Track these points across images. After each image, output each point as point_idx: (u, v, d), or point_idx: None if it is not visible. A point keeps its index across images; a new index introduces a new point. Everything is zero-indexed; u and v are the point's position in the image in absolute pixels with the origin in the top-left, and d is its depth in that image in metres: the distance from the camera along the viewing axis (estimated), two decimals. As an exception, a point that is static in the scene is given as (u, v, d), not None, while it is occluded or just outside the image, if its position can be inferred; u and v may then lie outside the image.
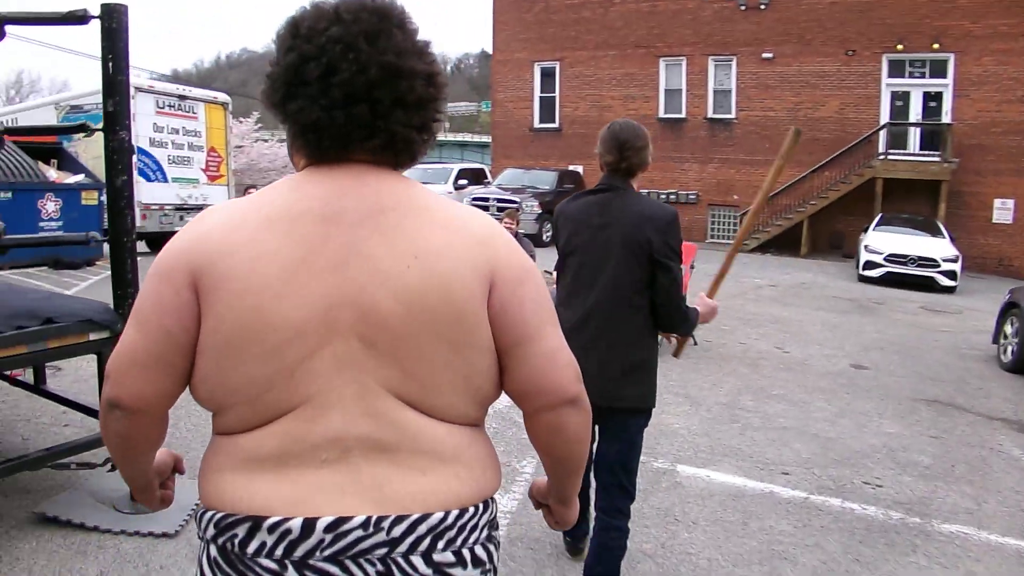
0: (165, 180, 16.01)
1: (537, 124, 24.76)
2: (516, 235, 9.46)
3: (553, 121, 24.40)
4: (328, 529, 1.23)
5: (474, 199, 19.42)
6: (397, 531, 1.25)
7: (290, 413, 1.28)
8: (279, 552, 1.24)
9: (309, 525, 1.23)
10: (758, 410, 6.41)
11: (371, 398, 1.28)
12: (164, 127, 15.98)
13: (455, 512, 1.30)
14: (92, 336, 4.09)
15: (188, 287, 1.28)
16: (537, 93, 24.76)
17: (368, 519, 1.24)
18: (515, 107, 25.04)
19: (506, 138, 25.37)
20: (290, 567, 1.23)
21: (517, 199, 18.35)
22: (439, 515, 1.28)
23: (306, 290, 1.26)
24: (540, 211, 18.37)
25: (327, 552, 1.23)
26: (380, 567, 1.24)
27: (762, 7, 20.81)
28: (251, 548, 1.25)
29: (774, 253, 19.57)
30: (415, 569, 1.26)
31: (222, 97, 17.66)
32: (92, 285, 11.43)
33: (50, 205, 13.72)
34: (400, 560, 1.25)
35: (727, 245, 20.33)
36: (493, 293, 1.32)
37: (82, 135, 4.08)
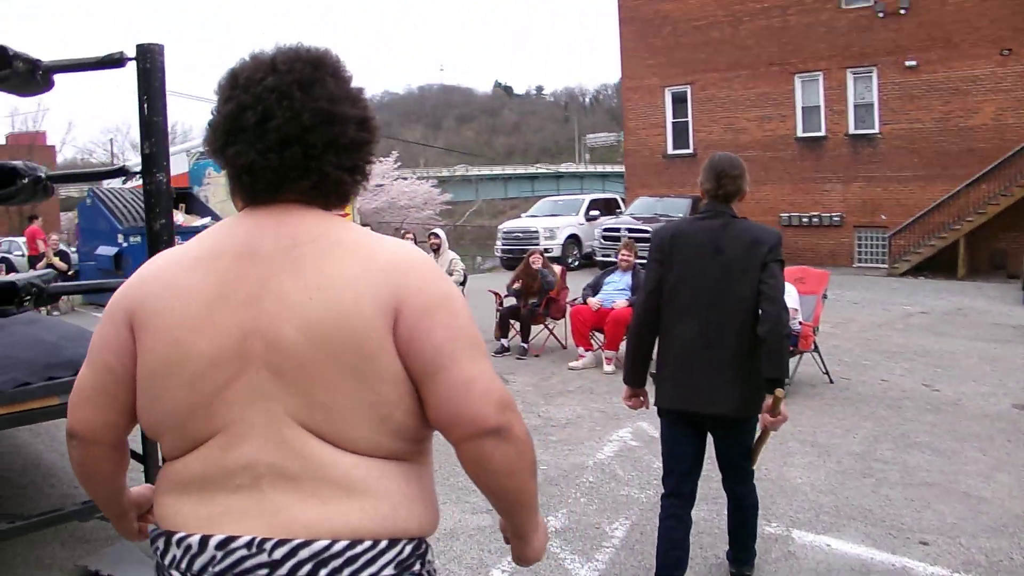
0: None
1: (670, 151, 23.98)
2: (633, 268, 8.85)
3: (687, 147, 23.56)
4: (219, 547, 1.30)
5: (605, 230, 18.88)
6: (278, 554, 1.28)
7: (210, 440, 1.36)
8: (183, 565, 1.33)
9: (204, 542, 1.31)
10: (896, 461, 5.54)
11: (279, 427, 1.33)
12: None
13: (345, 543, 1.30)
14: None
15: (125, 325, 1.41)
16: (669, 119, 23.99)
17: (253, 540, 1.29)
18: (647, 134, 24.36)
19: (640, 166, 24.68)
20: None
21: (648, 228, 17.65)
22: (324, 543, 1.29)
23: (221, 324, 1.34)
24: (671, 240, 17.59)
25: (217, 568, 1.30)
26: None
27: (902, 11, 19.35)
28: (167, 560, 1.36)
29: (927, 276, 17.96)
30: None
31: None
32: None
33: (177, 249, 14.07)
34: None
35: (876, 269, 19.28)
36: (399, 322, 1.34)
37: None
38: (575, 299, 9.47)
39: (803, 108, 21.30)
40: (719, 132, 22.60)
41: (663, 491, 3.52)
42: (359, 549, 1.31)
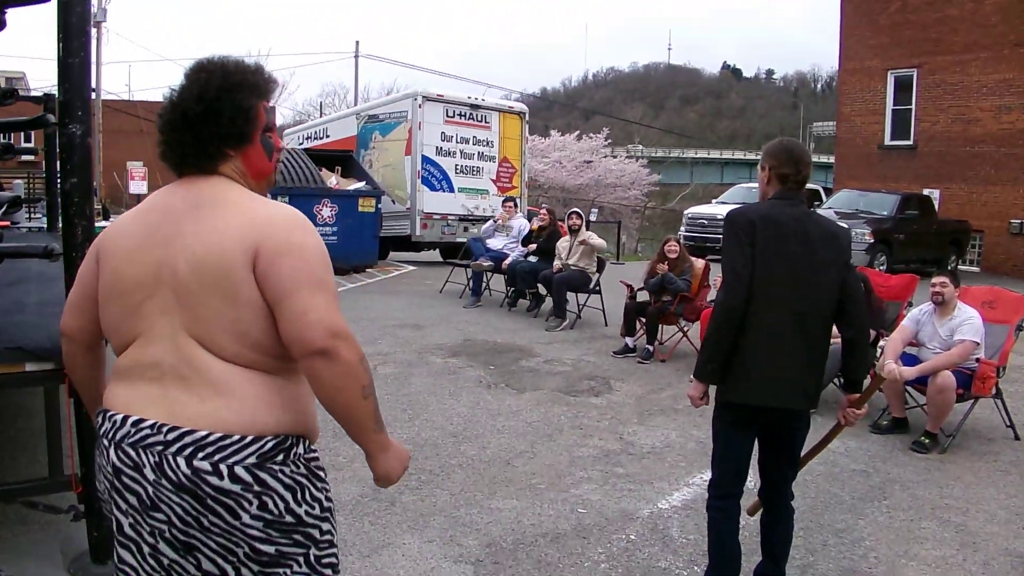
0: (451, 190, 15.55)
1: (888, 141, 21.44)
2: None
3: (907, 138, 20.93)
4: (133, 424, 1.76)
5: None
6: (171, 436, 1.72)
7: (135, 342, 1.83)
8: (111, 435, 1.79)
9: (124, 420, 1.77)
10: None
11: (177, 336, 1.77)
12: (453, 136, 15.53)
13: (218, 434, 1.72)
14: (29, 367, 3.39)
15: (93, 258, 1.95)
16: (890, 106, 21.41)
17: (155, 423, 1.74)
18: (864, 122, 21.89)
19: (851, 156, 22.27)
20: (112, 445, 1.78)
21: (845, 225, 15.65)
22: (202, 433, 1.72)
23: (144, 258, 1.82)
24: (871, 240, 15.54)
25: (130, 440, 1.75)
26: (156, 458, 1.72)
27: None
28: (102, 431, 1.83)
29: None
30: (178, 466, 1.71)
31: (518, 107, 16.99)
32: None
33: (326, 211, 13.67)
34: (169, 457, 1.71)
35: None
36: (257, 261, 1.75)
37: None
38: (714, 300, 8.12)
39: (1053, 98, 18.29)
40: (946, 122, 19.90)
41: (714, 493, 3.38)
42: (228, 441, 1.73)
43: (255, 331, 1.75)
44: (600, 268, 9.96)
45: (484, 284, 11.24)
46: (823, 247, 3.18)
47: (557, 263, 9.86)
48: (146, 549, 1.79)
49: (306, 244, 1.79)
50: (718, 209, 20.49)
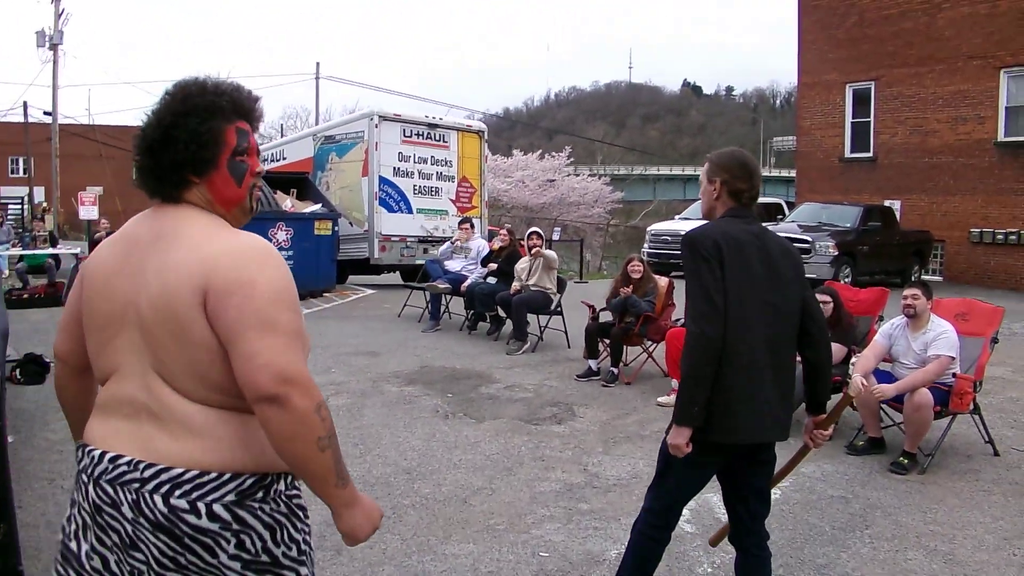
0: (410, 211, 15.23)
1: (848, 153, 21.47)
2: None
3: (867, 150, 21.00)
4: (110, 460, 1.71)
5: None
6: (147, 473, 1.67)
7: (111, 377, 1.79)
8: (89, 470, 1.74)
9: (102, 456, 1.72)
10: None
11: (146, 375, 1.73)
12: (411, 156, 15.22)
13: (194, 472, 1.66)
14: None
15: (80, 282, 1.89)
16: (849, 118, 21.47)
17: (131, 460, 1.69)
18: (823, 135, 21.95)
19: (812, 169, 22.31)
20: (90, 481, 1.73)
21: (809, 238, 15.56)
22: (179, 470, 1.66)
23: (112, 292, 1.78)
24: (836, 253, 15.42)
25: (108, 477, 1.70)
26: (133, 496, 1.67)
27: None
28: (81, 465, 1.78)
29: None
30: (155, 504, 1.66)
31: (477, 125, 16.70)
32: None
33: (281, 234, 13.24)
34: (146, 495, 1.66)
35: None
36: (207, 301, 1.67)
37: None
38: (679, 319, 7.82)
39: (1007, 108, 18.33)
40: (904, 134, 19.98)
41: (652, 521, 3.14)
42: (205, 479, 1.67)
43: (214, 373, 1.69)
44: (561, 288, 9.67)
45: (443, 307, 10.89)
46: (784, 265, 2.96)
47: (516, 284, 9.55)
48: None
49: (256, 281, 1.68)
50: (681, 225, 20.32)
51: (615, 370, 7.90)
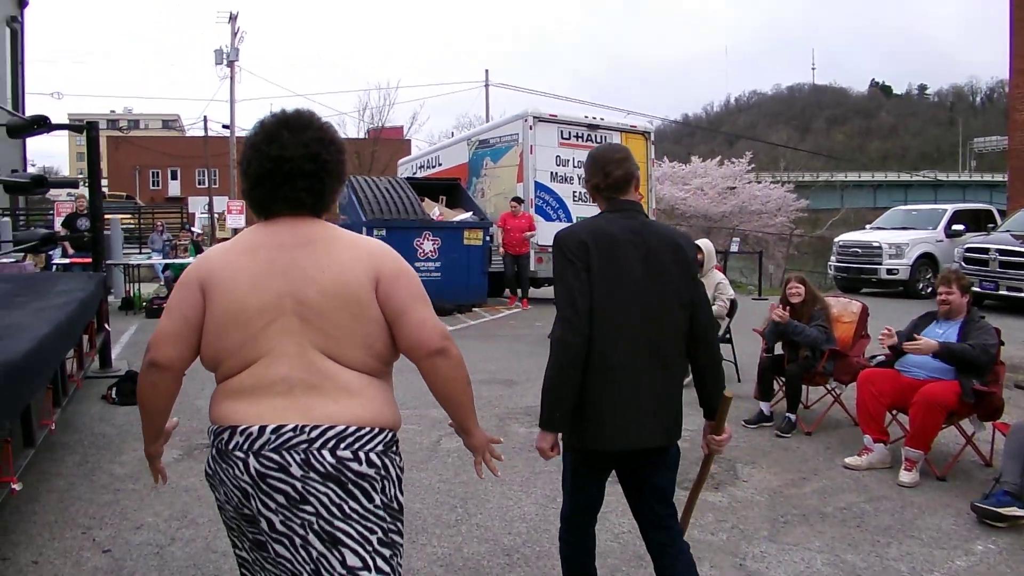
0: (569, 219, 14.08)
1: (1075, 153, 18.81)
2: (967, 313, 5.63)
3: (1096, 149, 18.30)
4: (273, 432, 2.01)
5: (967, 250, 14.75)
6: (314, 434, 2.01)
7: (257, 362, 2.08)
8: (246, 446, 2.02)
9: (262, 429, 2.02)
10: None
11: (305, 353, 2.07)
12: (569, 160, 14.15)
13: (354, 427, 2.05)
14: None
15: (199, 290, 2.13)
16: (1074, 113, 18.84)
17: (297, 426, 2.02)
18: (1044, 131, 19.36)
19: (1029, 171, 19.74)
20: (251, 455, 2.01)
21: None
22: (342, 427, 2.03)
23: (264, 288, 2.08)
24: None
25: (272, 445, 2.00)
26: (302, 456, 2.00)
27: None
28: (231, 445, 2.05)
29: None
30: (324, 459, 2.00)
31: (642, 125, 15.38)
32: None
33: (427, 244, 12.41)
34: (315, 452, 2.00)
35: None
36: (379, 285, 2.12)
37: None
38: (875, 357, 6.30)
39: None
40: None
41: (566, 526, 3.11)
42: (363, 431, 2.06)
43: (379, 344, 2.14)
44: (732, 311, 8.27)
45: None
46: (671, 260, 2.86)
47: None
48: (298, 541, 2.03)
49: (409, 269, 2.23)
50: (873, 236, 18.32)
51: (792, 416, 6.51)
